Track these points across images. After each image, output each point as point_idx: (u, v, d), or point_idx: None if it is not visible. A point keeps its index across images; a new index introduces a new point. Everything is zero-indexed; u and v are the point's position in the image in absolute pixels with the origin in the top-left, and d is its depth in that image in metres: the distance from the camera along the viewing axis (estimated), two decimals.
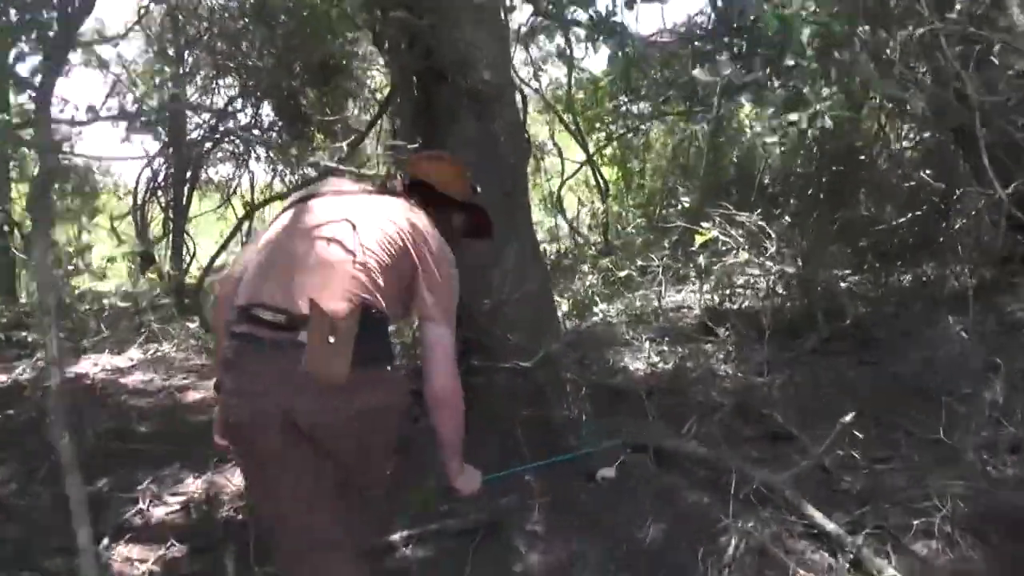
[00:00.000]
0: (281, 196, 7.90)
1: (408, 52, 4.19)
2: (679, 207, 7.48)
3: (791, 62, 2.24)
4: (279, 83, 8.34)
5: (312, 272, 2.35)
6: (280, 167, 10.20)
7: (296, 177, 9.71)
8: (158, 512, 4.06)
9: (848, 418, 3.64)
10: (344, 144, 3.88)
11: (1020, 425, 4.17)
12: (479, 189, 3.06)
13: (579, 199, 11.40)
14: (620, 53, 2.42)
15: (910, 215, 7.02)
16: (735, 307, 6.60)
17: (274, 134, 9.74)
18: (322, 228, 2.47)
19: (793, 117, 2.38)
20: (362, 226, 2.45)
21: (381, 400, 2.38)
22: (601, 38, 2.84)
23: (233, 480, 4.29)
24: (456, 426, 2.54)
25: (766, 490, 3.81)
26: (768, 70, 2.31)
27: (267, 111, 9.87)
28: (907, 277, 7.13)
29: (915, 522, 3.54)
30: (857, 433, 4.12)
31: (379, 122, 6.29)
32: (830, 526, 3.51)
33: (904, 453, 4.21)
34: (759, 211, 7.38)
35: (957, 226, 7.12)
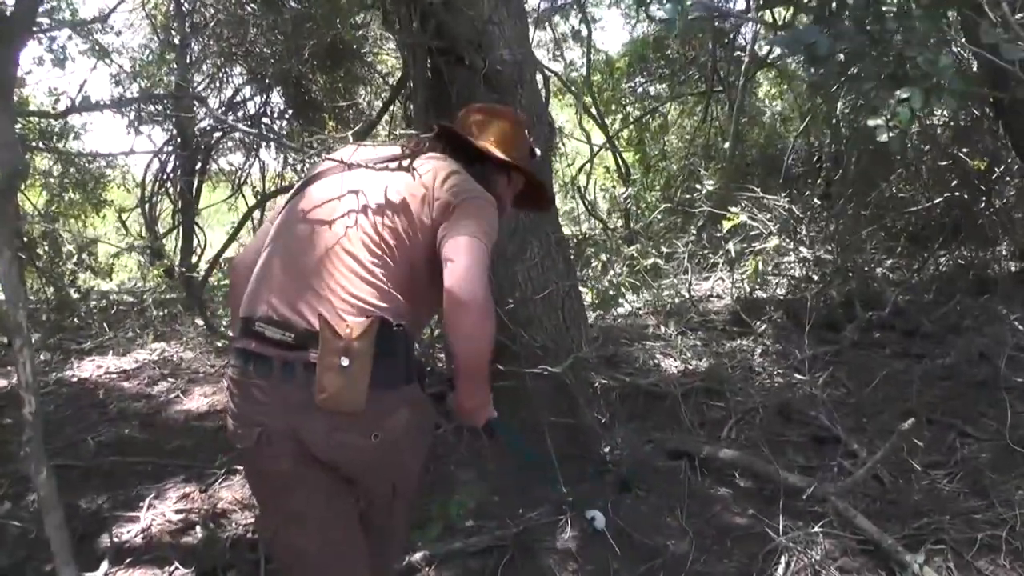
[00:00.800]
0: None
1: (420, 31, 3.88)
2: (703, 191, 7.17)
3: (894, 24, 1.90)
4: (288, 69, 8.07)
5: (318, 279, 2.05)
6: (291, 156, 9.93)
7: (308, 165, 9.46)
8: (161, 530, 3.79)
9: (907, 424, 3.33)
10: (350, 133, 3.57)
11: None
12: (538, 152, 2.71)
13: (596, 183, 11.10)
14: (678, 13, 2.05)
15: (947, 195, 6.69)
16: (768, 296, 6.30)
17: (284, 122, 9.49)
18: (326, 223, 2.15)
19: (904, 94, 2.03)
20: (371, 213, 2.13)
21: (405, 428, 2.09)
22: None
23: (240, 493, 4.04)
24: (471, 336, 2.03)
25: (817, 503, 3.54)
26: (863, 35, 1.96)
27: (276, 99, 9.64)
28: (945, 261, 6.81)
29: (979, 536, 3.26)
30: (915, 440, 3.83)
31: (391, 108, 5.99)
32: (887, 542, 3.23)
33: (962, 457, 3.91)
34: (786, 194, 7.11)
35: (998, 206, 6.81)
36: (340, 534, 2.18)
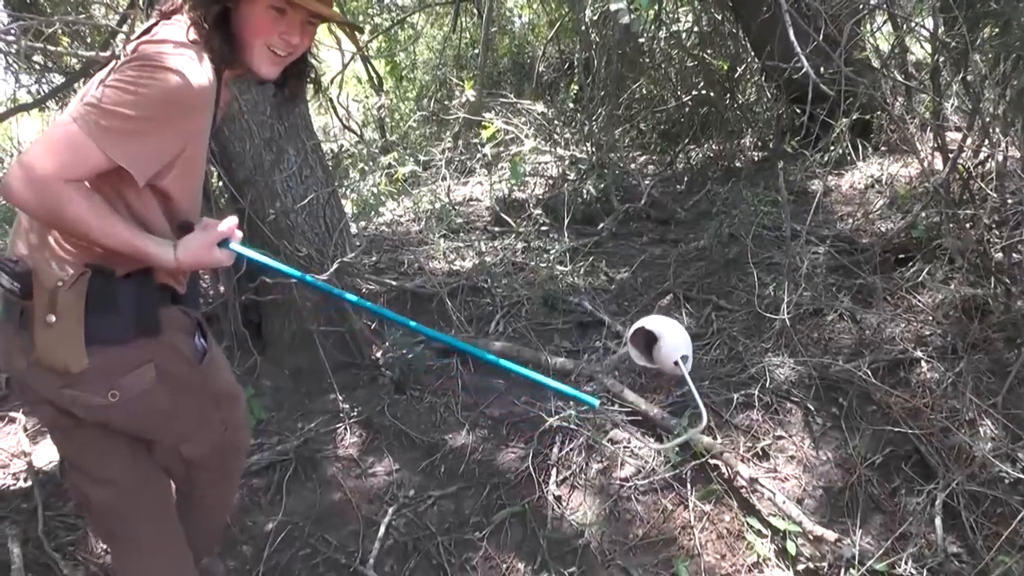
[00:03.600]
0: (26, 107, 7.04)
1: None
2: (460, 99, 7.15)
3: None
4: None
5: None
6: (24, 77, 9.09)
7: (43, 86, 8.72)
8: None
9: (665, 301, 3.50)
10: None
11: (819, 289, 4.21)
12: None
13: (348, 94, 10.85)
14: None
15: (695, 94, 7.02)
16: (527, 197, 6.40)
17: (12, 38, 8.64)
18: None
19: None
20: None
21: (158, 386, 1.83)
22: None
23: (7, 441, 3.66)
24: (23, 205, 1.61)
25: (585, 382, 3.68)
26: None
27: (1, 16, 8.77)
28: (695, 154, 7.16)
29: (735, 396, 3.53)
30: (674, 315, 4.03)
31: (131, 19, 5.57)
32: (653, 411, 3.41)
33: (718, 328, 4.16)
34: (540, 100, 7.23)
35: (740, 102, 7.23)
36: (126, 490, 1.96)
